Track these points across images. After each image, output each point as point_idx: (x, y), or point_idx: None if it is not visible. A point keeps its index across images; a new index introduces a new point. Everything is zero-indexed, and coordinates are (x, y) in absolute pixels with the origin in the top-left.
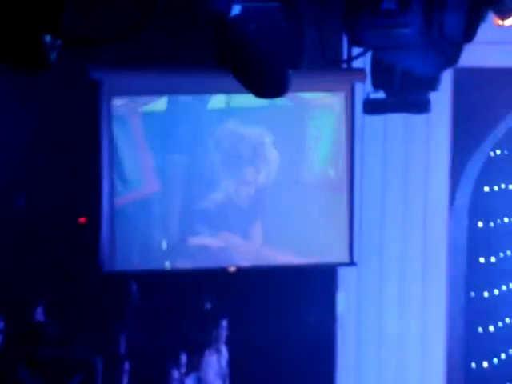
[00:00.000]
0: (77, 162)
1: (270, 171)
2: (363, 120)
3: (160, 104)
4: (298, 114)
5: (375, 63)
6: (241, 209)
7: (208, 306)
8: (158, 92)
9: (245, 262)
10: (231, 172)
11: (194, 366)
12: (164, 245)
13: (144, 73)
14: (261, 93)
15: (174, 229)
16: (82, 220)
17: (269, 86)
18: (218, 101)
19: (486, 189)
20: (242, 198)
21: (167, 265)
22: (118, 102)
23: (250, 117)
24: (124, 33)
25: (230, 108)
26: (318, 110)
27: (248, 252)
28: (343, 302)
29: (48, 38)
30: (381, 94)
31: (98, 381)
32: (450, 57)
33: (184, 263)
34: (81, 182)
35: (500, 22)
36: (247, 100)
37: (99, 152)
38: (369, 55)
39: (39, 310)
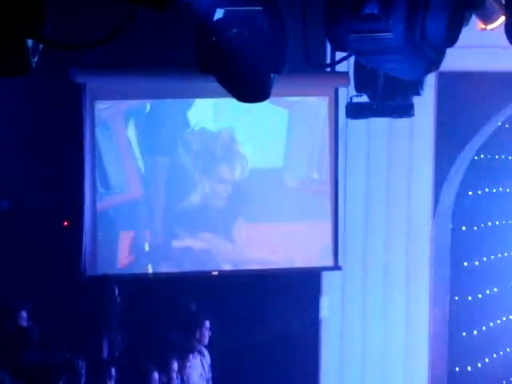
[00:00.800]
0: (60, 167)
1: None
2: (347, 124)
3: (142, 107)
4: (282, 117)
5: (358, 67)
6: (220, 209)
7: (191, 308)
8: (141, 96)
9: (228, 264)
10: (206, 172)
11: (179, 369)
12: (146, 248)
13: (126, 77)
14: (243, 97)
15: (157, 232)
16: (65, 224)
17: (251, 90)
18: (198, 103)
19: (470, 192)
20: (220, 198)
21: (149, 268)
22: (101, 106)
23: (229, 118)
24: (106, 37)
25: (211, 110)
26: (303, 113)
27: (231, 253)
28: (327, 305)
29: (30, 42)
30: (364, 98)
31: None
32: (433, 61)
33: (167, 266)
34: (64, 187)
35: (483, 26)
36: (228, 102)
37: (82, 156)
38: (352, 59)
39: (22, 315)
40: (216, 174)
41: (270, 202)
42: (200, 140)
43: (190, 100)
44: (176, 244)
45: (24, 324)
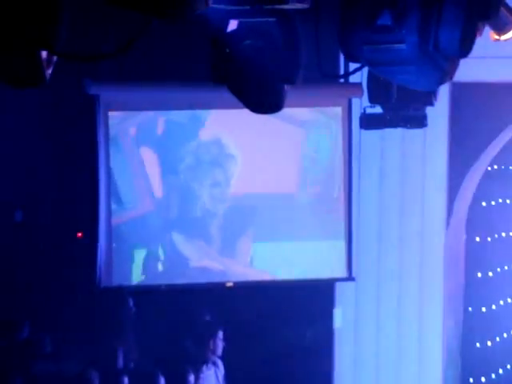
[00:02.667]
0: (74, 178)
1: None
2: (360, 135)
3: (152, 122)
4: (294, 134)
5: (372, 78)
6: (227, 226)
7: (205, 319)
8: (154, 107)
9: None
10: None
11: (193, 380)
12: (160, 267)
13: (140, 88)
14: (257, 108)
15: (168, 249)
16: (79, 235)
17: (265, 101)
18: (209, 116)
19: (484, 203)
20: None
21: (163, 286)
22: (112, 122)
23: (243, 135)
24: (120, 49)
25: (222, 124)
26: (315, 130)
27: (240, 271)
28: (341, 316)
29: (44, 53)
30: (378, 109)
31: None
32: (446, 72)
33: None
34: (78, 199)
35: (496, 36)
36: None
37: (97, 167)
38: (365, 70)
39: (36, 325)
40: (221, 190)
41: (283, 217)
42: (209, 155)
43: (199, 113)
44: (189, 263)
45: (36, 336)
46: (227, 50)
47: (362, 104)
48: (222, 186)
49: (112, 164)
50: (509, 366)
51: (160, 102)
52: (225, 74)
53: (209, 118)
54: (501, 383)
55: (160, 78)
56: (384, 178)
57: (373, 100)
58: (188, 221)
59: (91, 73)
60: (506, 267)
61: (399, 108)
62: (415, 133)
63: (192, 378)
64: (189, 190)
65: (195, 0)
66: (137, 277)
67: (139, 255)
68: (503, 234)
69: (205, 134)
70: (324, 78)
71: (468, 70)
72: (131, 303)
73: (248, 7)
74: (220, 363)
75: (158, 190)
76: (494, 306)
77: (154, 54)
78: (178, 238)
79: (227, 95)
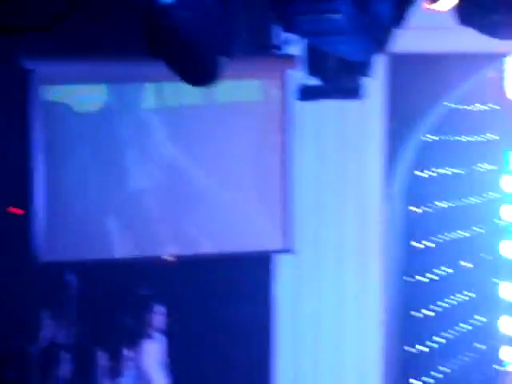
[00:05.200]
0: (9, 152)
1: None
2: (296, 106)
3: (90, 97)
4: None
5: (309, 49)
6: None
7: (143, 292)
8: (91, 81)
9: (177, 246)
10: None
11: (133, 355)
12: (100, 240)
13: (75, 61)
14: (191, 80)
15: (109, 218)
16: (13, 210)
17: (199, 73)
18: (151, 97)
19: (421, 174)
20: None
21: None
22: (47, 96)
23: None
24: (53, 21)
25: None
26: (249, 105)
27: (178, 235)
28: (279, 289)
29: None
30: (314, 81)
31: (34, 372)
32: (382, 42)
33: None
34: (15, 172)
35: (427, 6)
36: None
37: (32, 141)
38: (302, 41)
39: None
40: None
41: (219, 188)
42: (148, 130)
43: (138, 86)
44: (128, 236)
45: None
46: (160, 21)
47: (298, 75)
48: (154, 160)
49: (50, 138)
50: (445, 335)
51: (97, 75)
52: (159, 45)
53: (146, 91)
54: (435, 352)
55: (96, 51)
56: (321, 149)
57: (310, 71)
58: (124, 195)
59: (25, 47)
60: (443, 237)
61: (336, 79)
62: (352, 104)
63: (131, 352)
64: (122, 164)
65: None
66: (77, 250)
67: (81, 229)
68: (441, 205)
69: (142, 107)
70: (260, 50)
71: (405, 41)
72: (72, 278)
73: None
74: (162, 338)
75: (96, 163)
76: (431, 276)
77: (89, 27)
78: (116, 212)
79: (163, 67)
